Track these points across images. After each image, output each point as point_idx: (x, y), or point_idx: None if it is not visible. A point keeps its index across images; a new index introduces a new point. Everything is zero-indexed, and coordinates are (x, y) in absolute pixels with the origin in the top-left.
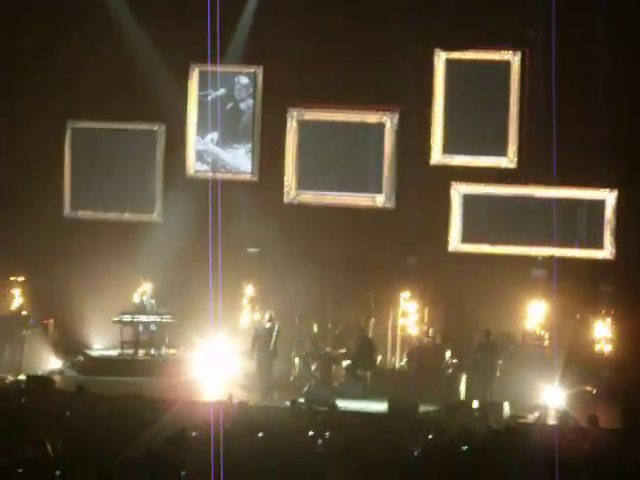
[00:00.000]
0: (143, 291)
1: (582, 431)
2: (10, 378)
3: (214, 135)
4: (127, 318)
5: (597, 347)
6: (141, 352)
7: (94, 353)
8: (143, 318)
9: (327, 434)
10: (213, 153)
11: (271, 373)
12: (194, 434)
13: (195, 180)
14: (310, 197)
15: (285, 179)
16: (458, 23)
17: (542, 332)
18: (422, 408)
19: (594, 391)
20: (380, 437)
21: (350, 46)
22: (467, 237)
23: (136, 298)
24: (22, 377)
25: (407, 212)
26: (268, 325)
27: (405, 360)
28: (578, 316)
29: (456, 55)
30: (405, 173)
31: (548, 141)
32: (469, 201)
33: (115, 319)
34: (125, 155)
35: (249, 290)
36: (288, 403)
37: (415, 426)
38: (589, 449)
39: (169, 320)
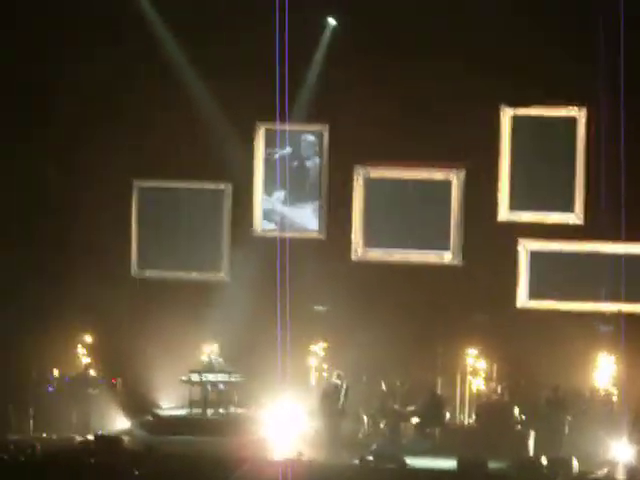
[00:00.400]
0: (211, 350)
1: None
2: (78, 438)
3: (281, 194)
4: (196, 377)
5: None
6: (210, 411)
7: (163, 413)
8: (211, 377)
9: None
10: (280, 212)
11: (339, 431)
12: None
13: (262, 239)
14: (377, 254)
15: (352, 237)
16: (524, 78)
17: (611, 388)
18: (491, 465)
19: None
20: None
21: (416, 103)
22: (534, 294)
23: (204, 357)
24: (90, 437)
25: (474, 269)
26: (336, 383)
27: (474, 417)
28: None
29: (522, 111)
30: (472, 230)
31: (615, 197)
32: (536, 257)
33: (183, 378)
34: (192, 214)
35: (317, 349)
36: (357, 461)
37: None
38: None
39: (238, 379)
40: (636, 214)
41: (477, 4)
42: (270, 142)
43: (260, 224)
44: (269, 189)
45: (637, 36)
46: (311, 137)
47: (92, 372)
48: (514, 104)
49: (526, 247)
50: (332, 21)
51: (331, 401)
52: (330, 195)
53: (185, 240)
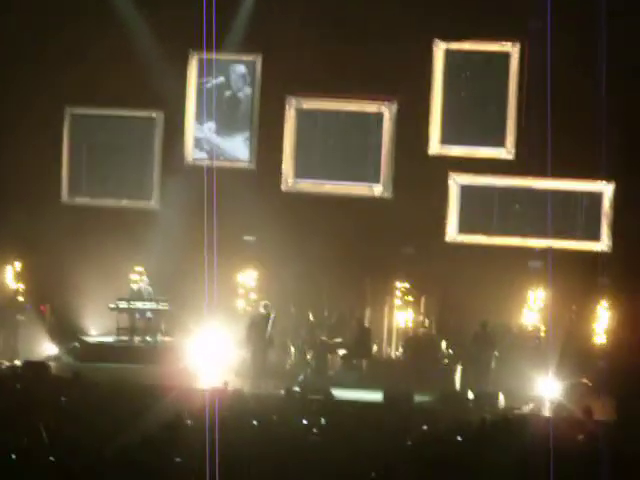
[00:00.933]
0: (139, 278)
1: (577, 422)
2: (5, 363)
3: (212, 123)
4: (123, 305)
5: (593, 338)
6: (137, 339)
7: (90, 339)
8: (139, 305)
9: (322, 421)
10: (211, 141)
11: (266, 361)
12: (189, 421)
13: (193, 168)
14: (308, 185)
15: (283, 167)
16: (458, 13)
17: (538, 323)
18: (417, 398)
19: (589, 383)
20: (374, 426)
21: (349, 36)
22: (464, 228)
23: (133, 285)
24: (17, 362)
25: (404, 202)
26: (263, 313)
27: (401, 350)
28: (574, 307)
29: (455, 45)
30: (403, 163)
31: (546, 132)
32: (467, 192)
33: (111, 306)
34: (123, 142)
35: (245, 278)
36: (283, 391)
37: (410, 416)
38: (583, 440)
39: (165, 307)
40: (566, 150)
41: None
42: (202, 71)
43: (191, 153)
44: (201, 118)
45: None
46: (243, 67)
47: (21, 298)
48: (447, 38)
49: (456, 181)
50: None
51: (258, 331)
52: (261, 126)
53: (116, 168)
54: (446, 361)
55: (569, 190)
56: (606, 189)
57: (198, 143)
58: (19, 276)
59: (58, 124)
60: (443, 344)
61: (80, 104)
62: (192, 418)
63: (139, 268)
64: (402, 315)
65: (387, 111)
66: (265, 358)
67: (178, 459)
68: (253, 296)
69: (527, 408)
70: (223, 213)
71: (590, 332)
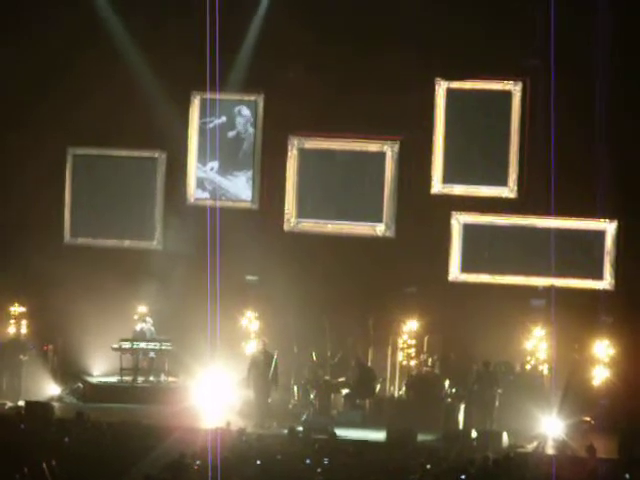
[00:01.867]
0: (143, 318)
1: (580, 461)
2: (9, 404)
3: (215, 163)
4: (126, 345)
5: (595, 377)
6: (140, 379)
7: (93, 380)
8: (142, 345)
9: (325, 461)
10: (213, 181)
11: (268, 401)
12: (196, 462)
13: (195, 208)
14: (310, 225)
15: (285, 207)
16: (459, 52)
17: (541, 362)
18: (420, 437)
19: (592, 421)
20: (378, 466)
21: (351, 75)
22: (467, 267)
23: (136, 325)
24: (21, 403)
25: (407, 241)
26: (265, 353)
27: (404, 389)
28: (577, 346)
29: (457, 84)
30: (405, 202)
31: (548, 171)
32: (469, 231)
33: (114, 346)
34: (126, 182)
35: (248, 318)
36: (286, 431)
37: (413, 455)
38: (586, 479)
39: (168, 347)
40: (568, 189)
41: None
42: (204, 111)
43: (193, 193)
44: (203, 158)
45: (571, 11)
46: (246, 107)
47: (24, 338)
48: (449, 77)
49: (459, 220)
50: None
51: (260, 371)
52: (264, 165)
53: (118, 208)
54: (449, 400)
55: (571, 229)
56: (609, 227)
57: (200, 183)
58: (22, 316)
59: (60, 164)
60: (446, 383)
61: (82, 144)
62: (195, 458)
63: (142, 308)
64: (405, 354)
65: (389, 150)
66: (267, 398)
67: None
68: (255, 336)
69: (530, 446)
70: (226, 253)
71: (593, 370)
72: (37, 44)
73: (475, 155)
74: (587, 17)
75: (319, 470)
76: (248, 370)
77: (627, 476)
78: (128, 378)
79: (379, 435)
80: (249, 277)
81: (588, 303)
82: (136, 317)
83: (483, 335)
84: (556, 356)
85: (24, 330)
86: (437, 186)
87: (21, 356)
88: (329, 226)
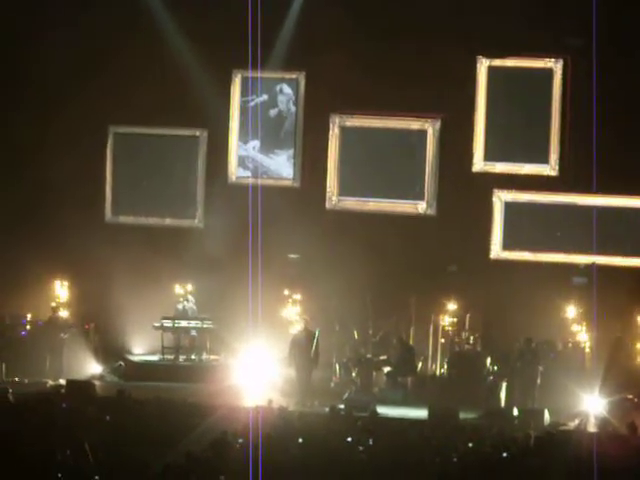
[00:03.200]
0: (185, 296)
1: (622, 438)
2: (51, 382)
3: (256, 141)
4: (168, 323)
5: (638, 355)
6: (182, 358)
7: (135, 358)
8: (184, 323)
9: (369, 441)
10: (255, 159)
11: (310, 379)
12: (238, 440)
13: (237, 186)
14: (352, 203)
15: (327, 185)
16: (501, 30)
17: (583, 340)
18: (462, 415)
19: (634, 399)
20: (420, 443)
21: (393, 53)
22: (508, 244)
23: (178, 304)
24: (62, 382)
25: (449, 219)
26: (307, 331)
27: (446, 367)
28: (619, 324)
29: (499, 62)
30: (447, 180)
31: (591, 149)
32: (511, 208)
33: (156, 324)
34: (167, 160)
35: (290, 296)
36: (328, 409)
37: (455, 433)
38: (628, 456)
39: (210, 326)
40: (611, 166)
41: None
42: (246, 90)
43: (235, 171)
44: (244, 137)
45: None
46: (287, 85)
47: (65, 317)
48: (491, 55)
49: (500, 198)
50: None
51: (302, 349)
52: (305, 143)
53: (160, 186)
54: (491, 378)
55: (613, 206)
56: None
57: (242, 161)
58: (64, 295)
59: (102, 143)
60: (488, 361)
61: (123, 123)
62: (237, 436)
63: (184, 287)
64: (447, 332)
65: (431, 128)
66: (309, 376)
67: (222, 477)
68: (298, 314)
69: (572, 424)
70: (267, 231)
71: (635, 348)
72: (83, 26)
73: (516, 133)
74: None
75: (361, 448)
76: (290, 348)
77: None
78: (170, 356)
79: (421, 413)
80: (291, 255)
81: (630, 281)
82: (178, 295)
83: (525, 313)
84: (598, 334)
85: (65, 309)
86: (479, 164)
87: (62, 335)
88: (370, 204)
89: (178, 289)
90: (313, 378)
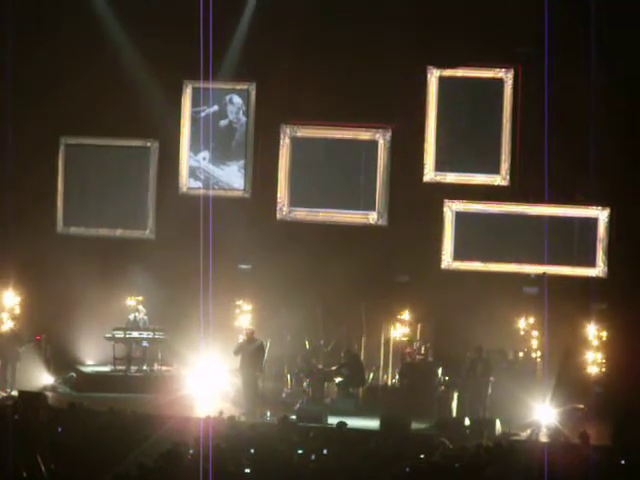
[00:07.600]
0: (136, 307)
1: (573, 448)
2: (2, 394)
3: (207, 152)
4: (120, 334)
5: (588, 364)
6: (133, 368)
7: (86, 369)
8: (135, 334)
9: (324, 451)
10: (206, 170)
11: (256, 390)
12: (189, 450)
13: (188, 197)
14: (303, 214)
15: (278, 196)
16: (451, 40)
17: (534, 350)
18: (414, 425)
19: (585, 408)
20: (372, 454)
21: (343, 63)
22: (460, 254)
23: (130, 315)
24: (14, 393)
25: (400, 229)
26: (249, 342)
27: (397, 377)
28: (570, 333)
29: (449, 72)
30: (398, 190)
31: (541, 159)
32: (462, 218)
33: (108, 335)
34: (118, 172)
35: (241, 306)
36: (279, 419)
37: (407, 443)
38: (580, 466)
39: (161, 336)
40: (561, 176)
41: None
42: (197, 100)
43: (186, 182)
44: (195, 147)
45: None
46: (237, 96)
47: (20, 330)
48: (441, 65)
49: (451, 208)
50: None
51: (246, 361)
52: (256, 154)
53: (111, 197)
54: (442, 388)
55: (564, 216)
56: (601, 215)
57: (193, 172)
58: (15, 306)
59: (53, 154)
60: (439, 371)
61: (74, 134)
62: (189, 447)
63: (135, 298)
64: (398, 342)
65: (381, 138)
66: (254, 386)
67: None
68: (248, 325)
69: (524, 434)
70: (218, 242)
71: (586, 357)
72: (34, 40)
73: (467, 143)
74: (581, 4)
75: (313, 458)
76: (242, 359)
77: (622, 462)
78: (121, 367)
79: (373, 423)
80: (242, 266)
81: (581, 290)
82: (129, 306)
83: (476, 323)
84: (549, 344)
85: (17, 320)
86: (429, 174)
87: (18, 348)
88: (321, 214)
89: (129, 300)
90: (264, 388)
